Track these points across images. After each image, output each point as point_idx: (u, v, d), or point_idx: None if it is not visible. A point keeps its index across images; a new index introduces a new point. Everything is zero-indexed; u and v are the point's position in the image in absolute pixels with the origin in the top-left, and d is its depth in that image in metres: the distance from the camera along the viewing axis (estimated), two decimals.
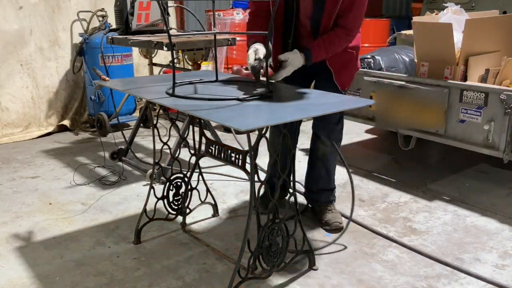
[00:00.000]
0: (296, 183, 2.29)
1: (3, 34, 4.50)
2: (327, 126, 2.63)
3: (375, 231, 2.74)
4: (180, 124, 3.58)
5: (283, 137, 2.01)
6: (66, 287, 2.24)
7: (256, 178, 1.99)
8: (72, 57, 4.91)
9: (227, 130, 4.70)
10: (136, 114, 5.11)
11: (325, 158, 2.76)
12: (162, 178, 3.24)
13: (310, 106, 2.06)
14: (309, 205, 2.98)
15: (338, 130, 2.72)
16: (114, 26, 4.06)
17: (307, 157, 2.91)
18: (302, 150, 4.05)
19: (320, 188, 2.85)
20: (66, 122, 4.91)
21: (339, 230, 2.72)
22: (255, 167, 1.97)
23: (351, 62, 2.57)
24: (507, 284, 2.22)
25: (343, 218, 2.82)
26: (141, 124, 4.56)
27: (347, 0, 2.29)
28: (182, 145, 2.96)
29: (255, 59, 2.16)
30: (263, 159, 2.95)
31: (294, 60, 2.26)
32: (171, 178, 2.67)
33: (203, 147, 2.53)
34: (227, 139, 4.35)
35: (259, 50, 2.20)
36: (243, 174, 3.30)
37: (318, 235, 2.69)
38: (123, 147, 3.94)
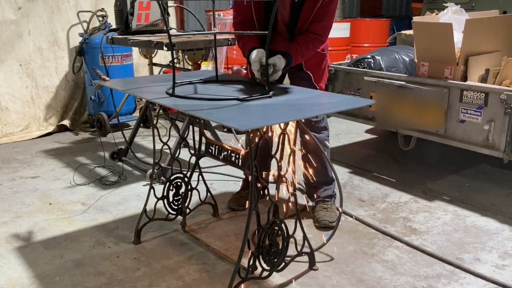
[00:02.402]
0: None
1: (2, 34, 4.50)
2: (309, 120, 2.68)
3: (367, 223, 2.75)
4: (180, 124, 3.58)
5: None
6: (66, 287, 2.24)
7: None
8: (72, 57, 4.91)
9: (227, 130, 4.70)
10: (136, 114, 5.11)
11: (316, 150, 2.79)
12: (162, 178, 3.24)
13: (309, 106, 2.06)
14: (310, 204, 2.98)
15: (321, 120, 2.78)
16: (114, 26, 4.06)
17: None
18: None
19: (319, 181, 2.86)
20: (66, 122, 4.91)
21: (327, 228, 2.73)
22: (255, 167, 1.97)
23: (323, 61, 2.78)
24: (508, 284, 2.23)
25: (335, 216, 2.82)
26: (141, 124, 4.56)
27: (320, 10, 2.49)
28: (182, 145, 2.95)
29: (262, 65, 2.30)
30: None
31: (281, 64, 2.38)
32: (171, 178, 2.67)
33: (203, 147, 2.53)
34: (227, 139, 4.35)
35: (263, 58, 2.31)
36: (243, 174, 3.31)
37: (318, 235, 2.69)
38: (123, 147, 3.94)
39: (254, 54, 2.38)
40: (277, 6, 2.54)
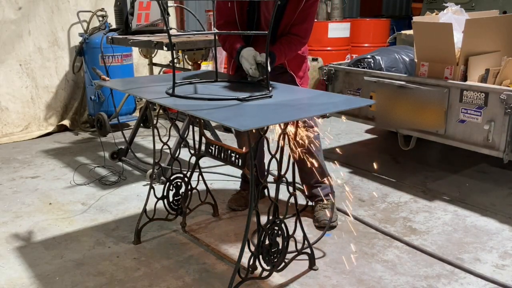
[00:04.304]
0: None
1: (2, 34, 4.50)
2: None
3: (367, 223, 2.75)
4: (180, 124, 3.57)
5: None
6: (66, 287, 2.24)
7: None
8: (72, 57, 4.91)
9: (227, 130, 4.70)
10: (136, 114, 5.11)
11: (309, 149, 2.80)
12: (162, 178, 3.24)
13: (309, 106, 2.06)
14: (310, 204, 2.98)
15: (309, 120, 2.78)
16: (114, 26, 4.06)
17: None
18: None
19: (316, 180, 2.87)
20: (66, 122, 4.92)
21: (326, 227, 2.72)
22: (255, 167, 1.97)
23: (304, 63, 2.82)
24: (508, 284, 2.23)
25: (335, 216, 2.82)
26: (141, 124, 4.56)
27: (302, 12, 2.54)
28: (182, 145, 2.95)
29: (258, 62, 2.31)
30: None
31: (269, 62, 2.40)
32: (171, 178, 2.67)
33: (203, 147, 2.53)
34: (227, 139, 4.35)
35: (258, 55, 2.33)
36: (240, 175, 3.30)
37: (318, 235, 2.69)
38: (123, 147, 3.94)
39: (245, 52, 2.38)
40: (261, 8, 2.57)
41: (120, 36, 3.66)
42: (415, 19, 3.66)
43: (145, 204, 2.61)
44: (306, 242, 2.31)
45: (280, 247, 2.12)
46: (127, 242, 2.64)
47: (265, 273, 2.12)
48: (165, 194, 2.65)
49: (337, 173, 3.65)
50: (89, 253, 2.54)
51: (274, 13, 1.99)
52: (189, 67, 3.83)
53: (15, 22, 4.56)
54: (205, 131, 2.66)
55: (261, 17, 2.63)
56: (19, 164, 3.93)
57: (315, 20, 6.52)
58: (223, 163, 2.42)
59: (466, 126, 3.08)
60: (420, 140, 3.49)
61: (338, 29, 6.18)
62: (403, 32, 4.28)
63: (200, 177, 2.75)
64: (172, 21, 5.59)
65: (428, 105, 3.24)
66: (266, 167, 2.26)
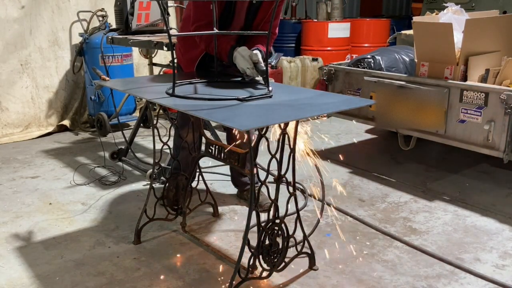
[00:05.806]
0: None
1: (3, 34, 4.50)
2: None
3: (367, 223, 2.75)
4: None
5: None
6: (66, 287, 2.24)
7: (256, 178, 1.99)
8: (72, 57, 4.91)
9: (227, 130, 4.69)
10: (136, 114, 5.11)
11: (243, 143, 2.86)
12: (162, 178, 3.24)
13: (309, 106, 2.06)
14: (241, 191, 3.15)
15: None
16: (114, 26, 4.06)
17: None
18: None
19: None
20: (66, 122, 4.92)
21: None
22: (255, 167, 1.97)
23: None
24: (508, 284, 2.23)
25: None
26: (141, 124, 4.56)
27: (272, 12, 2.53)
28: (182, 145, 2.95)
29: (254, 62, 2.31)
30: (262, 159, 2.95)
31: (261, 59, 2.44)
32: (171, 178, 2.67)
33: (203, 147, 2.53)
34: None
35: (254, 54, 2.33)
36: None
37: (318, 235, 2.69)
38: (123, 147, 3.94)
39: (242, 52, 2.36)
40: (236, 8, 2.55)
41: (120, 36, 3.66)
42: (415, 19, 3.66)
43: (145, 204, 2.61)
44: (306, 242, 2.31)
45: (280, 247, 2.13)
46: (127, 242, 2.64)
47: (265, 273, 2.12)
48: (165, 194, 2.65)
49: (337, 173, 3.66)
50: (89, 253, 2.54)
51: (274, 12, 2.00)
52: None
53: (18, 21, 4.56)
54: (205, 131, 2.66)
55: (235, 16, 2.60)
56: (19, 164, 3.94)
57: (315, 20, 6.57)
58: (223, 163, 2.42)
59: (466, 126, 3.08)
60: (420, 140, 3.49)
61: (338, 29, 6.19)
62: (403, 32, 4.28)
63: (200, 177, 2.75)
64: (172, 21, 5.59)
65: (428, 105, 3.24)
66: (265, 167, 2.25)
